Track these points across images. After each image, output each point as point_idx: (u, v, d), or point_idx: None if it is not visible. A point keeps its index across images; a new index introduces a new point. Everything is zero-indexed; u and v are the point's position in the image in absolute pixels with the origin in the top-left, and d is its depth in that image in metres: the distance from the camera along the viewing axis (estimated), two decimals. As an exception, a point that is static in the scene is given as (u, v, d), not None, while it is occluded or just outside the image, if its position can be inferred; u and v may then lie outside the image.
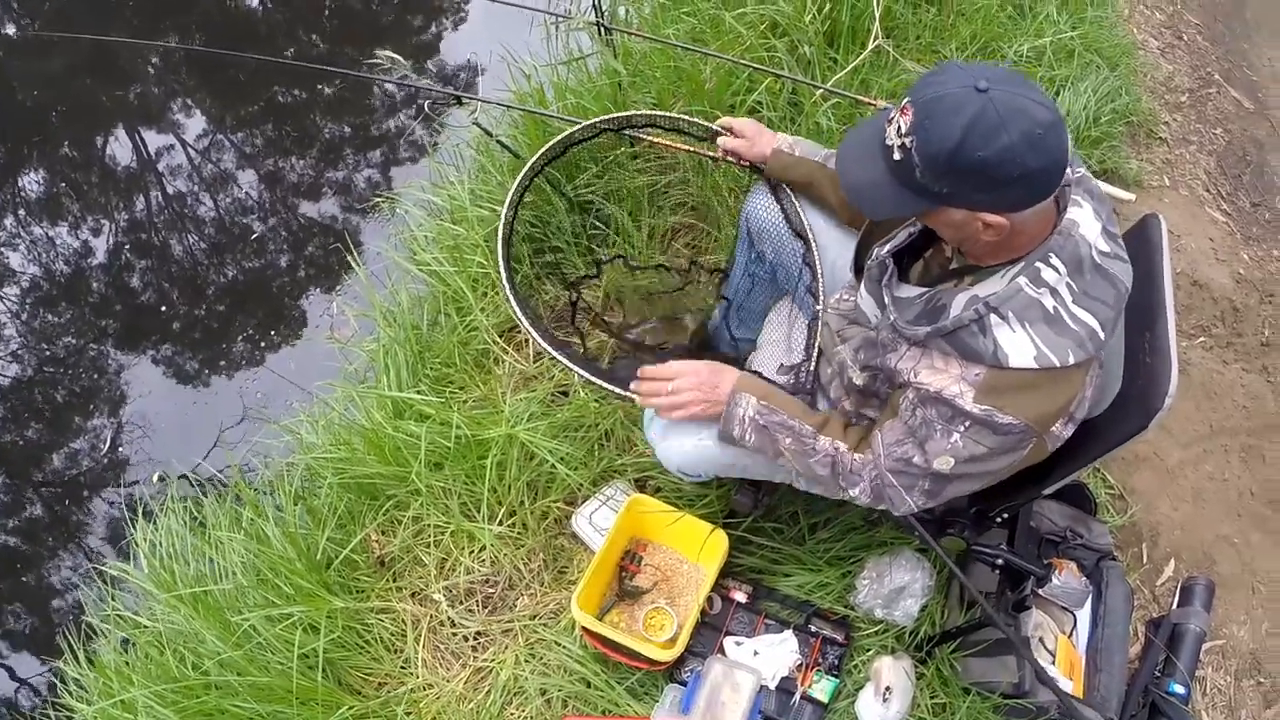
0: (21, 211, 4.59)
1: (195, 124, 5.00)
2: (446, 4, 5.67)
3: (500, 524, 2.43)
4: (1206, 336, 3.15)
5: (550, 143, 2.21)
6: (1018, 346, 1.44)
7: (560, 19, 3.24)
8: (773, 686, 2.22)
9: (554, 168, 2.43)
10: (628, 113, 2.29)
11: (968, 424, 1.51)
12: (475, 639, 2.37)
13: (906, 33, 3.46)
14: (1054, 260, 1.43)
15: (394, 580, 2.47)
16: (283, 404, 3.30)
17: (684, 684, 2.21)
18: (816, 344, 1.95)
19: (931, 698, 2.21)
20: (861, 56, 3.08)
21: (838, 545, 2.39)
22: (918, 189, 1.40)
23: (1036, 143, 1.30)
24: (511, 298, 1.99)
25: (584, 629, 2.23)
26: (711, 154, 2.23)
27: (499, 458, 2.41)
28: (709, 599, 2.29)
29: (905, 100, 1.38)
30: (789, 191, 2.14)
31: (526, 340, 2.80)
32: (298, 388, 3.08)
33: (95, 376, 4.00)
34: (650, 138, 2.35)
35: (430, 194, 3.10)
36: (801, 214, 2.10)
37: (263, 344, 4.05)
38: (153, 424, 3.83)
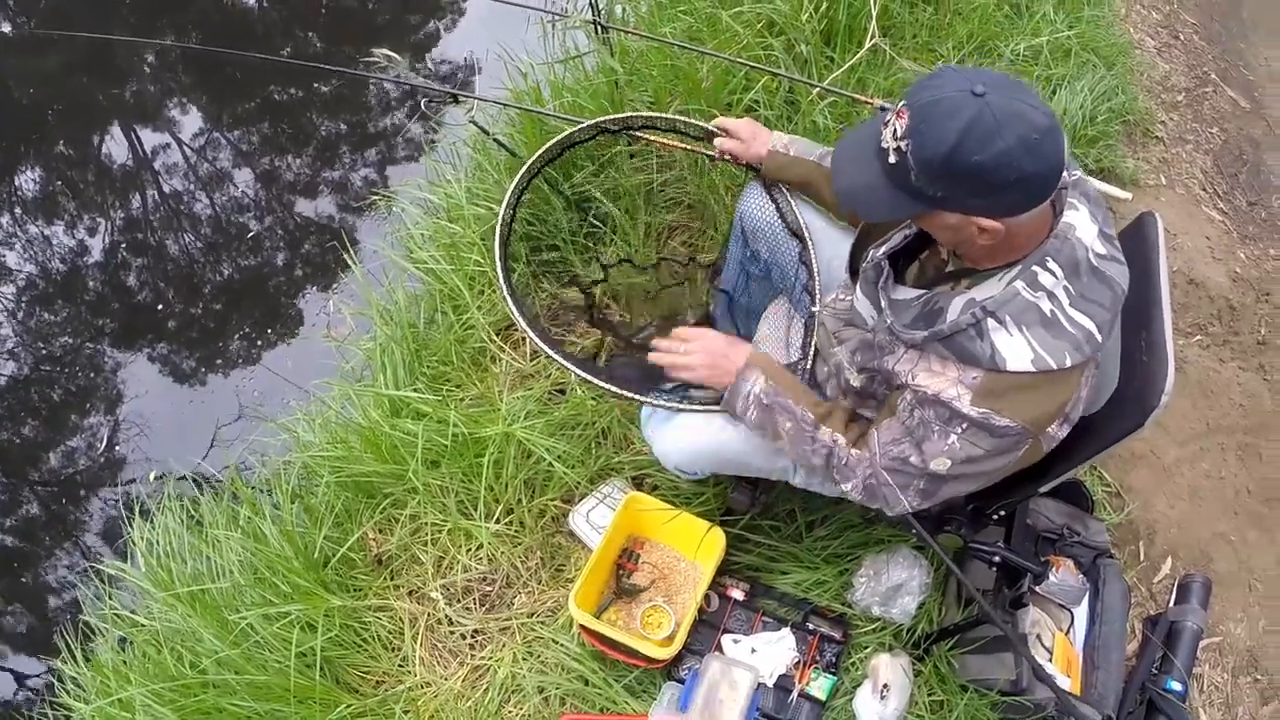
0: (18, 210, 4.58)
1: (192, 122, 4.99)
2: (443, 2, 5.66)
3: (497, 522, 2.43)
4: (1203, 335, 3.15)
5: (548, 144, 2.21)
6: (1015, 350, 1.44)
7: (557, 17, 3.24)
8: (770, 684, 2.22)
9: (551, 167, 2.42)
10: (625, 114, 2.29)
11: (965, 426, 1.51)
12: (473, 637, 2.37)
13: (903, 32, 3.46)
14: (1050, 264, 1.43)
15: (391, 578, 2.47)
16: (279, 402, 3.30)
17: (682, 682, 2.21)
18: (813, 344, 1.95)
19: (929, 695, 2.21)
20: (858, 55, 3.08)
21: (835, 543, 2.39)
22: (913, 192, 1.40)
23: (1033, 148, 1.30)
24: (509, 298, 1.99)
25: (582, 627, 2.23)
26: (709, 152, 2.23)
27: (496, 456, 2.41)
28: (706, 597, 2.30)
29: (901, 104, 1.38)
30: (784, 190, 2.14)
31: (523, 338, 2.80)
32: (295, 386, 3.09)
33: (92, 375, 3.99)
34: (647, 137, 2.35)
35: (427, 192, 3.10)
36: (798, 213, 2.10)
37: (259, 342, 4.04)
38: (150, 423, 3.82)
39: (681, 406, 1.93)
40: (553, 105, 3.06)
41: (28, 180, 4.71)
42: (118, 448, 3.78)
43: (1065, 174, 1.48)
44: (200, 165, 4.79)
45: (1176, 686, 2.24)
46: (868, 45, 3.09)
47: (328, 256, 4.28)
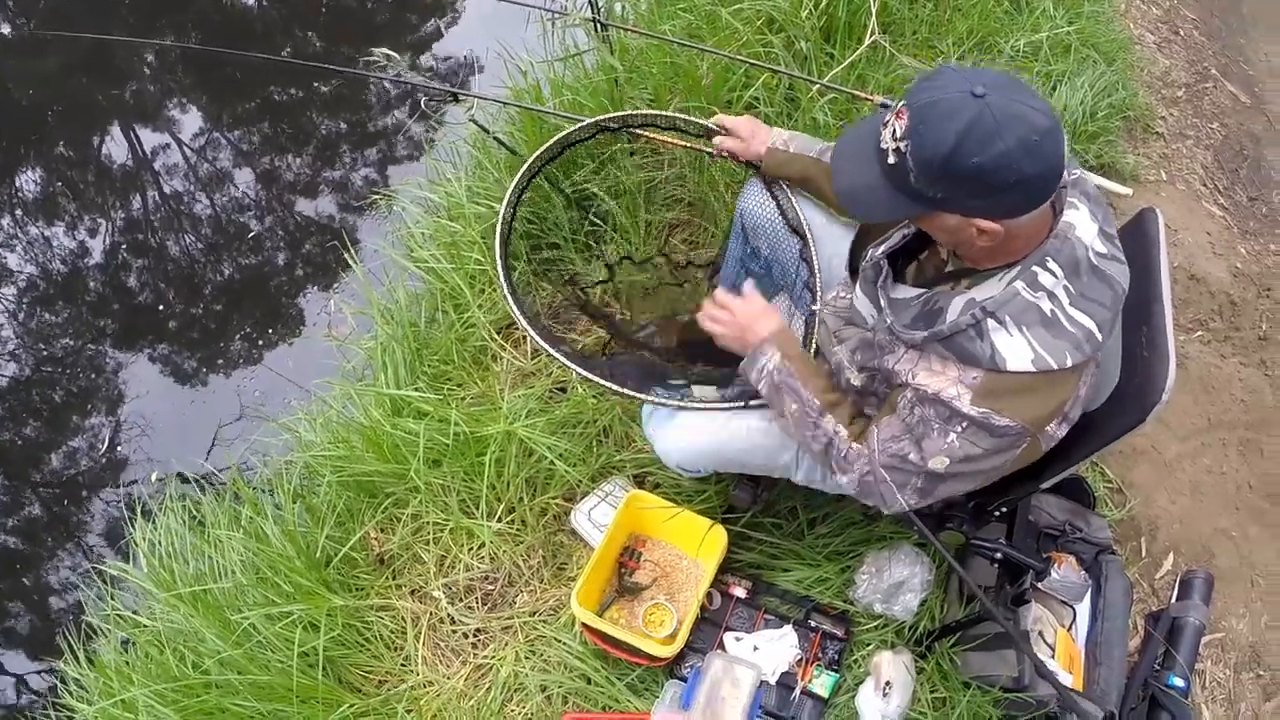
0: (18, 211, 4.58)
1: (192, 123, 4.99)
2: (443, 1, 5.66)
3: (499, 521, 2.43)
4: (1204, 330, 3.15)
5: (548, 143, 2.21)
6: (1015, 350, 1.43)
7: (557, 15, 3.24)
8: (773, 682, 2.22)
9: (552, 165, 2.42)
10: (625, 112, 2.29)
11: (964, 425, 1.51)
12: (475, 636, 2.37)
13: (903, 28, 3.45)
14: (1051, 264, 1.42)
15: (393, 578, 2.47)
16: (281, 402, 3.31)
17: (684, 680, 2.21)
18: (814, 341, 1.95)
19: (931, 692, 2.21)
20: (858, 52, 3.07)
21: (837, 540, 2.39)
22: (912, 194, 1.40)
23: (1033, 149, 1.29)
24: (509, 296, 1.99)
25: (584, 625, 2.23)
26: (708, 150, 2.22)
27: (497, 454, 2.41)
28: (708, 594, 2.30)
29: (901, 104, 1.37)
30: (784, 186, 2.14)
31: (524, 337, 2.80)
32: (296, 386, 3.09)
33: (93, 376, 3.99)
34: (648, 135, 2.35)
35: (427, 191, 3.10)
36: (798, 209, 2.10)
37: (260, 342, 4.04)
38: (151, 423, 3.82)
39: (683, 405, 1.93)
40: (553, 103, 3.06)
41: (28, 181, 4.71)
42: (119, 448, 3.78)
43: (1065, 173, 1.48)
44: (200, 165, 4.79)
45: (1179, 682, 2.24)
46: (867, 42, 3.08)
47: (328, 256, 4.28)
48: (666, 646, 2.15)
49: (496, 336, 2.77)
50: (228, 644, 2.19)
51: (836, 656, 2.27)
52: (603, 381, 1.90)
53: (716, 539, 2.28)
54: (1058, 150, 1.33)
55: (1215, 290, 3.24)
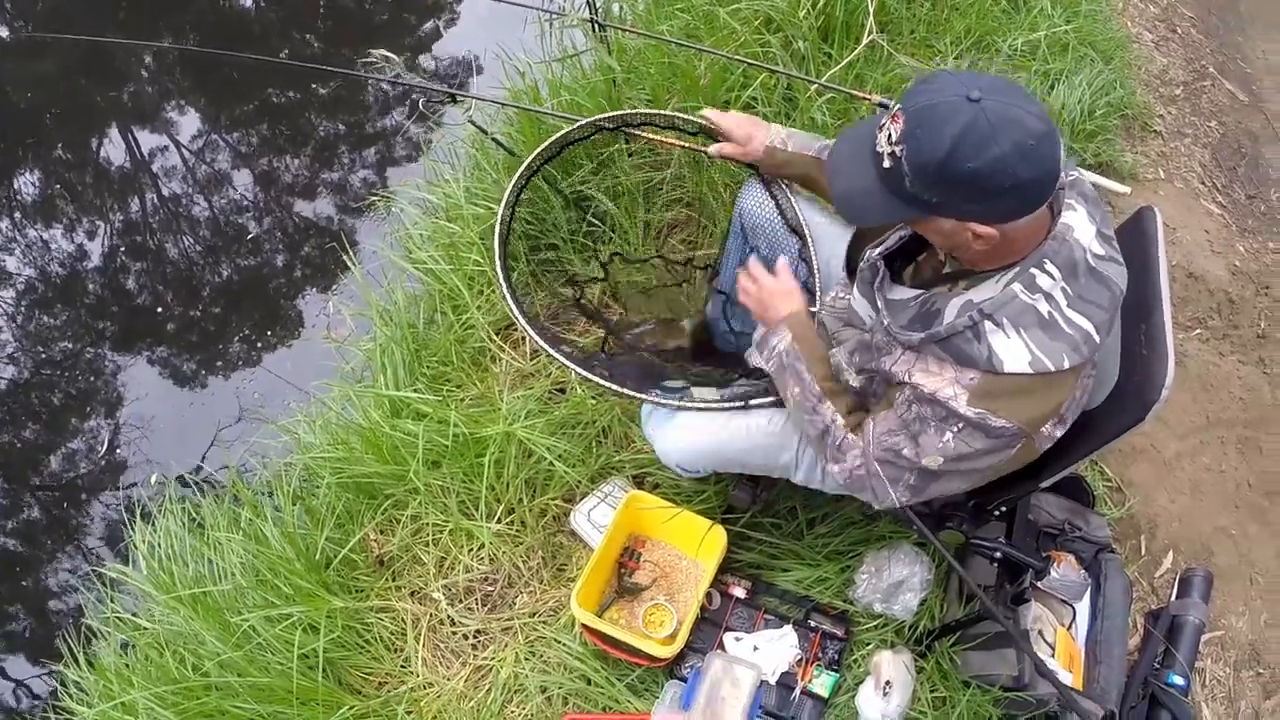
0: (17, 214, 4.58)
1: (190, 124, 4.99)
2: (440, 2, 5.66)
3: (499, 522, 2.43)
4: (1203, 328, 3.15)
5: (546, 142, 2.20)
6: (1012, 352, 1.43)
7: (554, 16, 3.24)
8: (773, 682, 2.22)
9: (550, 166, 2.43)
10: (623, 111, 2.29)
11: (960, 425, 1.51)
12: (475, 637, 2.37)
13: (901, 27, 3.46)
14: (1048, 266, 1.42)
15: (393, 579, 2.47)
16: (280, 404, 3.30)
17: (684, 680, 2.22)
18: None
19: (931, 691, 2.21)
20: (856, 51, 3.08)
21: (836, 540, 2.39)
22: (907, 198, 1.39)
23: (1028, 154, 1.29)
24: (509, 297, 1.99)
25: (584, 626, 2.23)
26: (707, 149, 2.21)
27: (497, 455, 2.41)
28: (708, 595, 2.30)
29: (896, 108, 1.37)
30: (783, 186, 2.13)
31: (523, 338, 2.80)
32: (295, 388, 3.09)
33: (92, 379, 3.99)
34: (646, 135, 2.35)
35: (426, 192, 3.09)
36: (797, 209, 2.10)
37: (259, 344, 4.04)
38: (150, 425, 3.82)
39: (683, 405, 1.93)
40: (551, 104, 3.06)
41: (26, 184, 4.71)
42: (118, 451, 3.78)
43: (1062, 175, 1.48)
44: (199, 167, 4.79)
45: (1179, 681, 2.24)
46: (865, 41, 3.09)
47: (327, 257, 4.28)
48: (666, 647, 2.15)
49: (495, 338, 2.76)
50: (228, 646, 2.18)
51: (836, 656, 2.27)
52: (603, 382, 1.90)
53: (716, 539, 2.28)
54: (1053, 154, 1.32)
55: (1214, 288, 3.24)
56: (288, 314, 4.18)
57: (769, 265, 1.92)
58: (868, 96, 2.49)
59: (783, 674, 2.23)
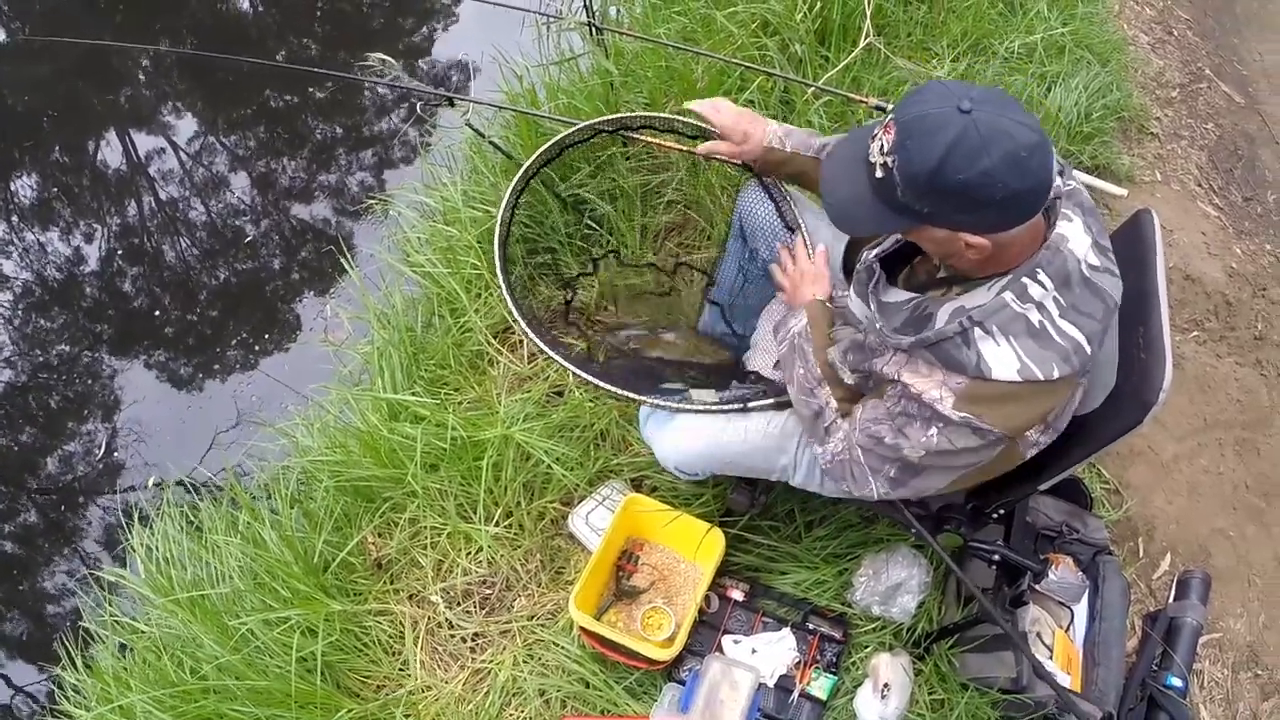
0: (14, 218, 4.58)
1: (187, 128, 4.99)
2: (437, 6, 5.66)
3: (497, 525, 2.43)
4: (1200, 330, 3.15)
5: (545, 145, 2.20)
6: (1001, 359, 1.43)
7: (551, 19, 3.24)
8: (771, 684, 2.22)
9: (548, 168, 2.43)
10: (622, 114, 2.29)
11: (943, 424, 1.52)
12: (473, 640, 2.37)
13: (898, 30, 3.46)
14: (1041, 275, 1.42)
15: (391, 582, 2.47)
16: (278, 407, 3.30)
17: (682, 683, 2.21)
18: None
19: (930, 694, 2.21)
20: (853, 54, 3.08)
21: (834, 543, 2.39)
22: (899, 207, 1.39)
23: (1019, 165, 1.29)
24: (509, 298, 1.99)
25: (582, 629, 2.23)
26: (695, 148, 2.18)
27: (495, 459, 2.41)
28: (706, 598, 2.30)
29: (889, 117, 1.38)
30: (781, 187, 2.13)
31: (521, 341, 2.80)
32: (292, 391, 3.08)
33: (89, 382, 3.99)
34: (644, 138, 2.35)
35: (423, 195, 3.09)
36: (797, 213, 2.10)
37: (257, 348, 4.04)
38: (147, 429, 3.82)
39: (681, 407, 1.93)
40: (548, 107, 3.06)
41: (23, 187, 4.71)
42: (116, 454, 3.78)
43: (1061, 183, 1.48)
44: (196, 171, 4.78)
45: (1177, 682, 2.24)
46: (862, 44, 3.09)
47: (324, 261, 4.28)
48: (665, 649, 2.15)
49: (493, 341, 2.76)
50: (226, 649, 2.18)
51: (835, 659, 2.27)
52: (603, 384, 1.90)
53: (714, 542, 2.28)
54: (1045, 166, 1.32)
55: (1211, 290, 3.25)
56: (285, 317, 4.18)
57: (765, 270, 1.93)
58: (865, 99, 2.50)
59: (781, 676, 2.23)
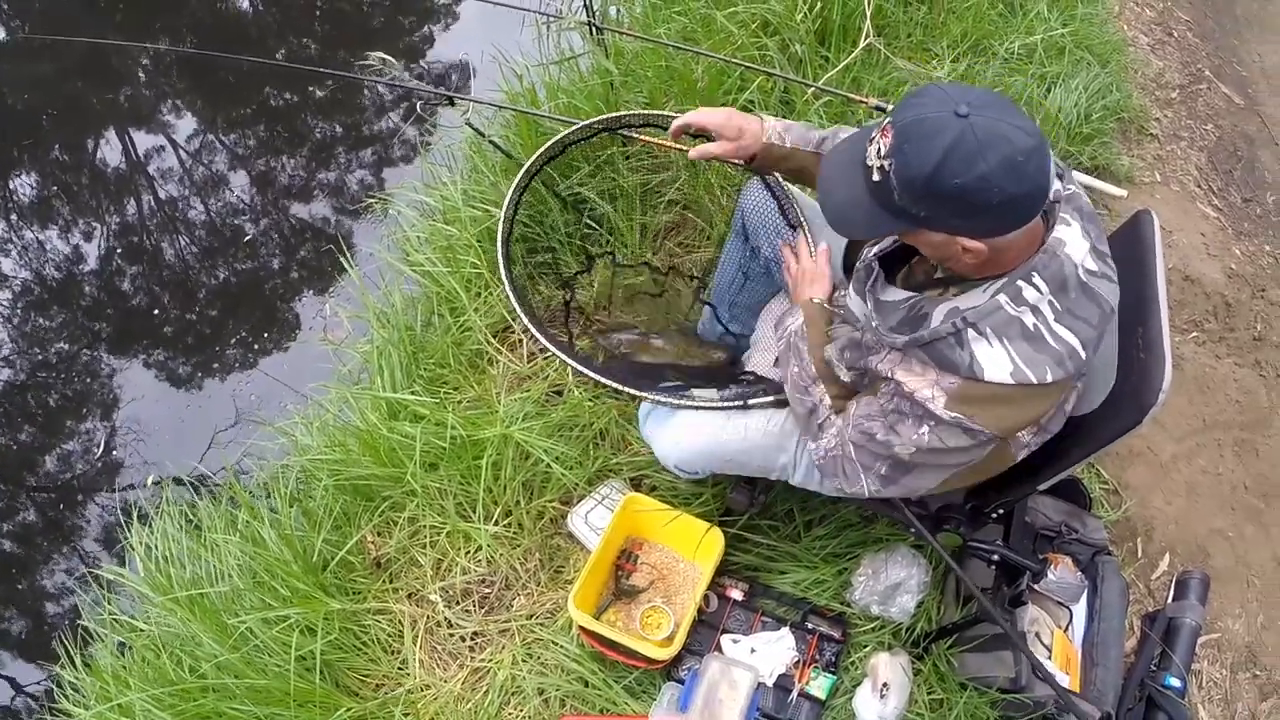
0: (13, 216, 4.58)
1: (186, 126, 4.99)
2: (437, 5, 5.66)
3: (496, 524, 2.43)
4: (1199, 331, 3.16)
5: (549, 143, 2.21)
6: (994, 361, 1.43)
7: (551, 19, 3.24)
8: (770, 684, 2.22)
9: (549, 168, 2.43)
10: (625, 112, 2.28)
11: (935, 423, 1.52)
12: (472, 639, 2.37)
13: (898, 31, 3.46)
14: (1036, 279, 1.42)
15: (390, 581, 2.47)
16: (277, 406, 3.30)
17: (681, 682, 2.21)
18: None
19: (929, 693, 2.21)
20: (853, 55, 3.08)
21: (833, 542, 2.39)
22: (895, 211, 1.40)
23: (1016, 170, 1.29)
24: (512, 296, 1.99)
25: (581, 628, 2.23)
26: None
27: (494, 458, 2.41)
28: (705, 597, 2.30)
29: (886, 120, 1.38)
30: (782, 183, 2.13)
31: (520, 340, 2.80)
32: (292, 390, 3.08)
33: (88, 380, 3.99)
34: (645, 138, 2.35)
35: (423, 195, 3.09)
36: (799, 209, 2.10)
37: (256, 347, 4.04)
38: (146, 427, 3.82)
39: (682, 403, 1.93)
40: (548, 107, 3.06)
41: (23, 185, 4.71)
42: (115, 453, 3.77)
43: (1060, 187, 1.48)
44: (196, 169, 4.78)
45: (1175, 683, 2.24)
46: (862, 44, 3.09)
47: (324, 260, 4.28)
48: (664, 649, 2.15)
49: (493, 340, 2.76)
50: (225, 648, 2.18)
51: (834, 658, 2.27)
52: (606, 380, 1.90)
53: (713, 541, 2.28)
54: (1042, 171, 1.32)
55: (1210, 291, 3.25)
56: (285, 316, 4.18)
57: (767, 268, 1.93)
58: (864, 99, 2.50)
59: (780, 676, 2.23)
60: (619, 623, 2.32)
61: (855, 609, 2.33)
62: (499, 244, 2.05)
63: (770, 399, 1.92)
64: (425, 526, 2.48)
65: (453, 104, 2.65)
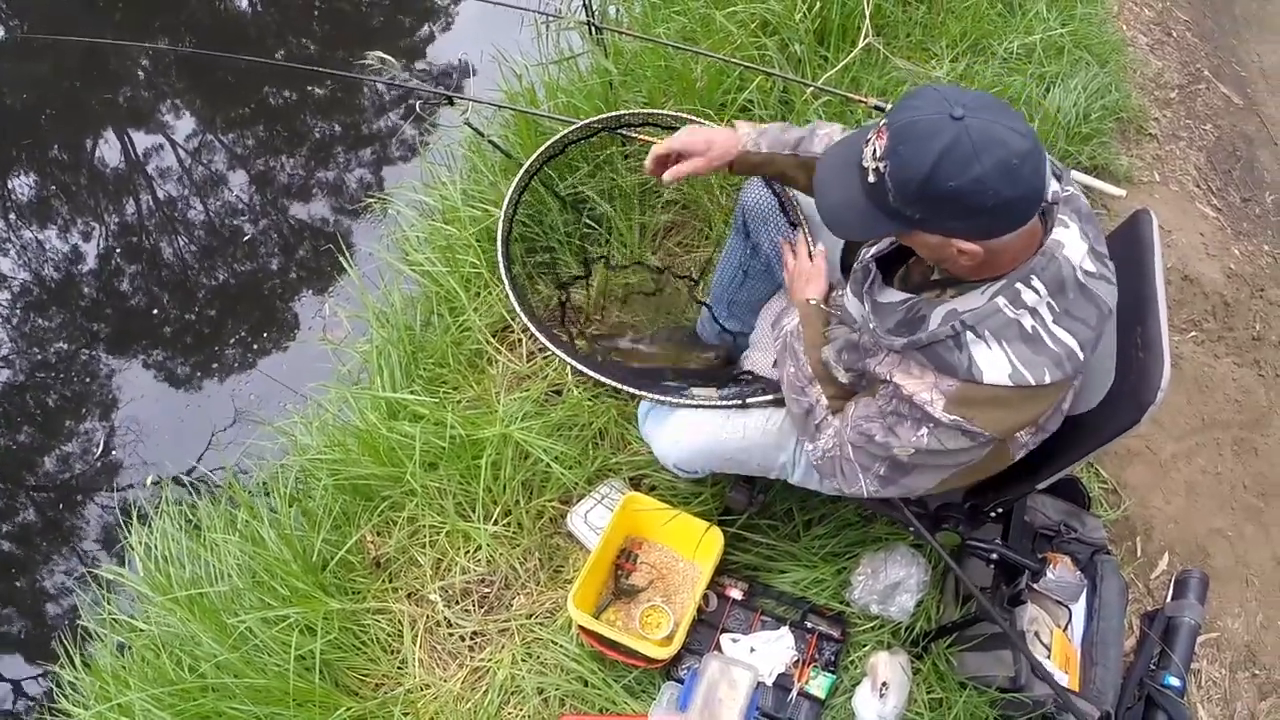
0: (12, 216, 4.58)
1: (185, 126, 4.98)
2: (437, 5, 5.66)
3: (495, 524, 2.43)
4: (1198, 331, 3.16)
5: (548, 142, 2.21)
6: (993, 363, 1.43)
7: (551, 18, 3.24)
8: (770, 683, 2.23)
9: (548, 167, 2.43)
10: (624, 112, 2.29)
11: (934, 426, 1.52)
12: (472, 639, 2.37)
13: (897, 30, 3.46)
14: (1034, 281, 1.42)
15: (390, 581, 2.47)
16: (276, 406, 3.29)
17: (681, 681, 2.22)
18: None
19: (928, 693, 2.22)
20: (852, 54, 3.08)
21: (833, 541, 2.39)
22: (891, 212, 1.39)
23: (1011, 172, 1.28)
24: (512, 295, 2.00)
25: (580, 628, 2.23)
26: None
27: (494, 457, 2.41)
28: (705, 596, 2.30)
29: (882, 122, 1.38)
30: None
31: (520, 340, 2.80)
32: (291, 390, 3.08)
33: (87, 380, 3.98)
34: (645, 137, 2.35)
35: (422, 194, 3.09)
36: (799, 206, 2.10)
37: (255, 346, 4.03)
38: (146, 427, 3.81)
39: (681, 401, 1.93)
40: (547, 106, 3.06)
41: (21, 185, 4.70)
42: (114, 453, 3.77)
43: (1058, 188, 1.49)
44: (194, 169, 4.78)
45: (1175, 682, 2.24)
46: (861, 44, 3.09)
47: (323, 260, 4.28)
48: (663, 648, 2.15)
49: (492, 340, 2.76)
50: (224, 648, 2.18)
51: (833, 658, 2.27)
52: (606, 379, 1.90)
53: (713, 541, 2.28)
54: (1038, 173, 1.32)
55: (1209, 291, 3.25)
56: (284, 316, 4.17)
57: (768, 265, 1.92)
58: (864, 99, 2.50)
59: (779, 675, 2.24)
60: (618, 622, 2.32)
61: (854, 608, 2.33)
62: (498, 243, 2.06)
63: (769, 398, 1.92)
64: (425, 526, 2.48)
65: (452, 103, 2.65)
